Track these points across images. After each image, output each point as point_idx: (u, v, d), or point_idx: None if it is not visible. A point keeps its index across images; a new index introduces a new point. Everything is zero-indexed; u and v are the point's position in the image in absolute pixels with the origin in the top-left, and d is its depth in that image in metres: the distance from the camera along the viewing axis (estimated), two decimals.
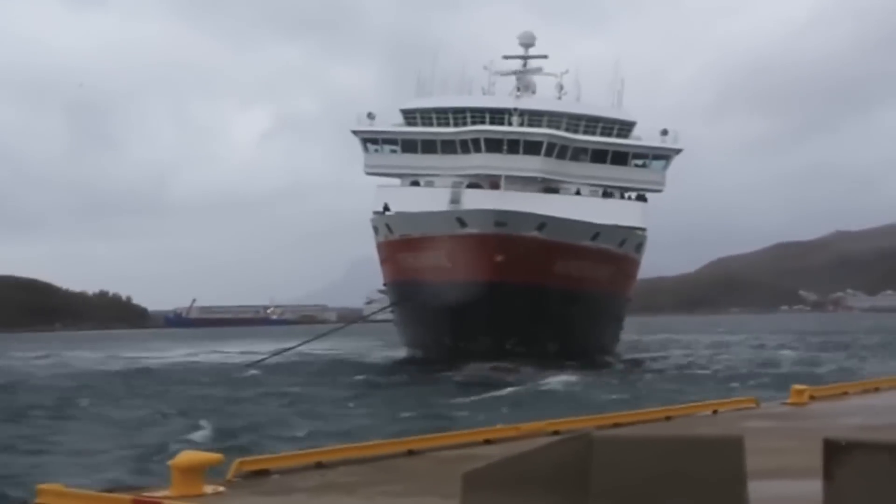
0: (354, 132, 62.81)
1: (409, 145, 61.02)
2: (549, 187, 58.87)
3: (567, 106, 60.91)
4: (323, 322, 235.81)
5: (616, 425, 13.88)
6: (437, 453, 12.00)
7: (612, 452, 5.98)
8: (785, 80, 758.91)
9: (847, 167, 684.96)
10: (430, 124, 60.41)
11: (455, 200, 56.87)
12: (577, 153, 59.28)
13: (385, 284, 61.49)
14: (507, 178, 56.59)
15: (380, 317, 70.26)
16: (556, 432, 12.14)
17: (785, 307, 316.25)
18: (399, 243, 54.97)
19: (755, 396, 19.12)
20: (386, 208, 59.04)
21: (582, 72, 73.89)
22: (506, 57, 64.20)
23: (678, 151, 62.91)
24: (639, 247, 61.53)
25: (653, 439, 6.71)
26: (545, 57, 64.40)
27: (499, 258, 46.64)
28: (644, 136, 62.29)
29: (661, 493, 5.77)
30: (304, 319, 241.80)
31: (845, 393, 20.44)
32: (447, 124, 59.75)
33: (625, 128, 61.44)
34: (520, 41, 63.97)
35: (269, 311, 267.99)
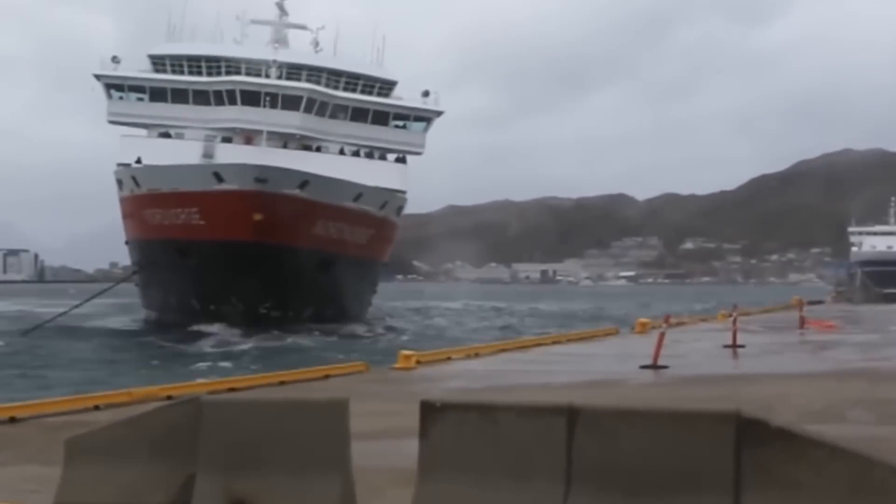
0: (97, 76, 58.10)
1: (157, 94, 57.09)
2: (307, 145, 57.15)
3: (327, 61, 59.17)
4: None
5: (231, 390, 14.01)
6: (42, 420, 11.54)
7: (220, 416, 6.08)
8: (519, 56, 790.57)
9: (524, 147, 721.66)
10: (181, 73, 56.87)
11: (208, 154, 53.92)
12: (337, 111, 57.83)
13: (127, 242, 57.58)
14: (266, 133, 54.28)
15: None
16: (169, 397, 12.07)
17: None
18: (146, 198, 51.41)
19: (367, 361, 19.76)
20: (138, 160, 54.93)
21: (341, 29, 72.21)
22: (272, 24, 60.94)
23: (439, 114, 62.91)
24: (399, 210, 61.24)
25: (261, 402, 6.79)
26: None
27: (258, 217, 44.56)
28: (404, 97, 61.78)
29: (268, 454, 5.92)
30: None
31: (449, 358, 21.69)
32: (199, 73, 56.49)
33: (386, 87, 60.65)
34: None
35: None
